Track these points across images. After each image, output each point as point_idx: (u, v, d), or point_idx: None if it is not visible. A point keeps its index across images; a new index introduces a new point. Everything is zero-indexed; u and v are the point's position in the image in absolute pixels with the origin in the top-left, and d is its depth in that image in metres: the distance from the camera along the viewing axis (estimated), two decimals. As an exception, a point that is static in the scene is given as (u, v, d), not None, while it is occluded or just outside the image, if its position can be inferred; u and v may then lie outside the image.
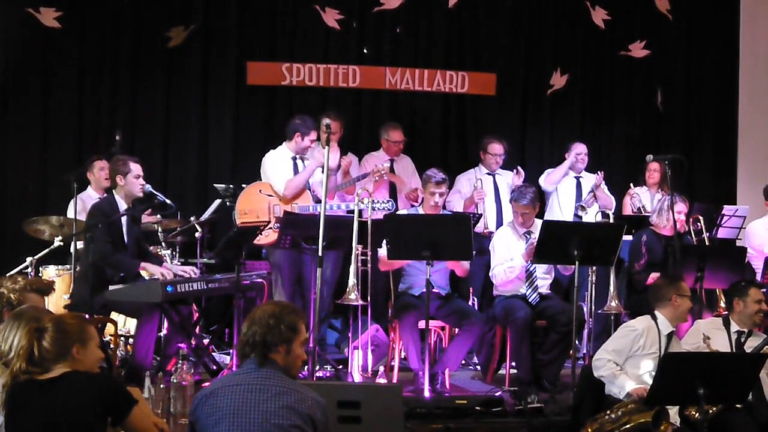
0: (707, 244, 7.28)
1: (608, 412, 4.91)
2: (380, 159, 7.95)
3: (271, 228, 6.70)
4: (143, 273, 6.19)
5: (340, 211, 6.96)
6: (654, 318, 5.19)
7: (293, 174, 6.94)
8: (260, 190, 6.96)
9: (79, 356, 3.41)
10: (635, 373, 5.06)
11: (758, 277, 6.97)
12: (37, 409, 3.28)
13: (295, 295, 6.88)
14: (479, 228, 7.44)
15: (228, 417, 3.24)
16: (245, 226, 6.63)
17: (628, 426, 4.82)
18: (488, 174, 7.95)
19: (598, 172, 7.97)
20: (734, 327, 5.40)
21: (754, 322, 5.38)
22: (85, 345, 3.44)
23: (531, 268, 6.58)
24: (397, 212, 7.05)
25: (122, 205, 6.09)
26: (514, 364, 6.51)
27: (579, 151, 8.06)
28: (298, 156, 7.03)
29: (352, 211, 6.32)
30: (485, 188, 7.80)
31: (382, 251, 6.33)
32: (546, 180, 8.11)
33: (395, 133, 8.06)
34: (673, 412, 4.91)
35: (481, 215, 7.58)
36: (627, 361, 5.11)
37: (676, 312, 5.19)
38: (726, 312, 5.60)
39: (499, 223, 7.65)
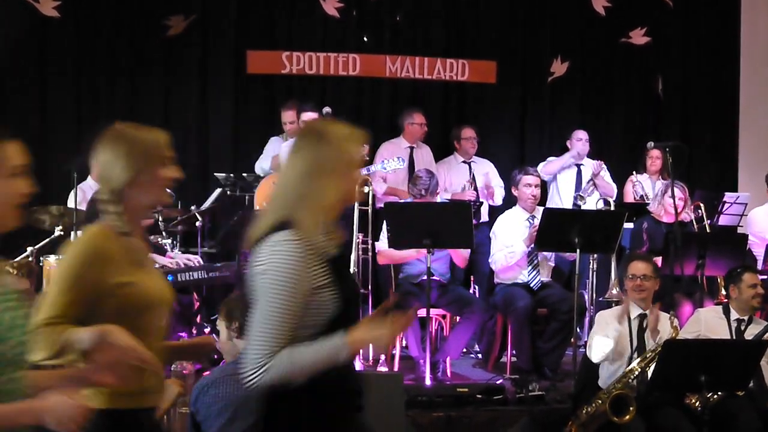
0: (708, 231, 7.27)
1: (585, 407, 4.91)
2: (399, 146, 7.84)
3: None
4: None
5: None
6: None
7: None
8: (274, 182, 6.93)
9: None
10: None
11: (759, 264, 6.96)
12: None
13: None
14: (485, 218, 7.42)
15: (231, 407, 3.23)
16: (247, 214, 6.61)
17: (601, 417, 4.83)
18: (464, 162, 7.87)
19: (596, 161, 7.90)
20: (734, 315, 5.39)
21: (752, 307, 5.37)
22: None
23: (533, 254, 6.57)
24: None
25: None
26: (515, 352, 6.52)
27: (580, 137, 8.01)
28: None
29: None
30: (461, 178, 7.76)
31: (380, 244, 6.31)
32: (544, 168, 7.99)
33: (418, 115, 7.94)
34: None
35: (482, 203, 7.55)
36: None
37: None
38: (726, 300, 5.61)
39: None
